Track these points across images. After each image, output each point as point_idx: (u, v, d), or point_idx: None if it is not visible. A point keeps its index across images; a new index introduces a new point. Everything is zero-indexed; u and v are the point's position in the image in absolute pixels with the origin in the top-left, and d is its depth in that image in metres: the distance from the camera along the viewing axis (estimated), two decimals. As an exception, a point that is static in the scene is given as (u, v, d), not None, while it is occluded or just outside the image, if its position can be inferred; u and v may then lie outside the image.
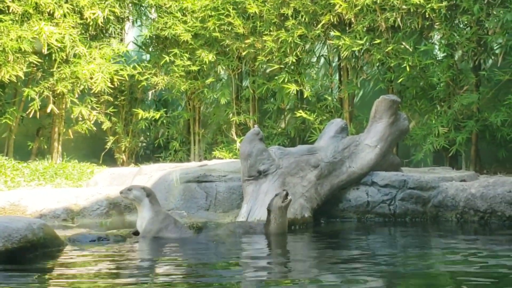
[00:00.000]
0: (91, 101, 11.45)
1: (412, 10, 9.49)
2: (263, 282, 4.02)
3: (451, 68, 9.57)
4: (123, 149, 12.19)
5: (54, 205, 7.16)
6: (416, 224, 6.86)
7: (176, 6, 11.43)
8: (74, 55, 10.95)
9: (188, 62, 11.26)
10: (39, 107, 10.66)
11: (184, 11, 11.39)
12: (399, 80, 9.79)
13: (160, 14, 11.61)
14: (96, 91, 11.16)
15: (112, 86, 11.28)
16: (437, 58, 9.84)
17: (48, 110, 10.94)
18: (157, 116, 11.71)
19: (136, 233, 6.10)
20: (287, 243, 5.96)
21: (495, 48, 9.38)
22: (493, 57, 9.60)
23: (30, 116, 10.72)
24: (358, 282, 3.92)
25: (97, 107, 11.61)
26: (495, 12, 9.16)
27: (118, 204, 7.37)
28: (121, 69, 11.37)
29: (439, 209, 6.93)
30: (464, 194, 6.78)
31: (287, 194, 6.17)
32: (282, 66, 10.62)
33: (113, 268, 4.61)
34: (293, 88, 10.41)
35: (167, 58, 11.30)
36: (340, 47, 10.02)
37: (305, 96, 10.61)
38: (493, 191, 6.62)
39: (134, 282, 4.13)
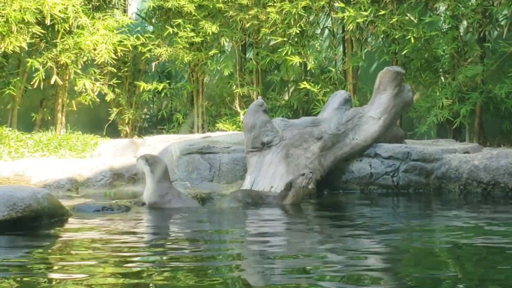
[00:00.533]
0: (95, 72, 11.43)
1: (417, -19, 9.42)
2: (265, 255, 4.03)
3: (455, 40, 9.51)
4: (126, 121, 12.19)
5: (58, 175, 7.19)
6: (419, 196, 6.89)
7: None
8: (77, 26, 10.90)
9: (192, 34, 11.20)
10: (43, 78, 10.64)
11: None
12: (404, 52, 9.74)
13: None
14: (99, 62, 11.12)
15: (116, 58, 11.24)
16: (442, 30, 9.78)
17: (52, 81, 10.92)
18: (160, 87, 11.68)
19: (141, 203, 6.12)
20: (291, 215, 5.98)
21: (500, 19, 9.32)
22: (498, 29, 9.54)
23: (35, 86, 10.70)
24: (360, 257, 3.93)
25: (101, 78, 11.59)
26: (501, -16, 9.09)
27: (122, 174, 7.40)
28: (124, 40, 11.32)
29: (442, 181, 6.95)
30: (467, 165, 6.79)
31: (311, 177, 6.28)
32: (285, 39, 10.57)
33: (116, 238, 4.64)
34: (296, 60, 10.36)
35: (170, 29, 11.24)
36: (344, 19, 9.95)
37: (308, 68, 10.56)
38: (496, 162, 6.62)
39: (136, 253, 4.16)
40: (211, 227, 5.31)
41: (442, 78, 9.82)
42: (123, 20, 11.45)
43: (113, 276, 3.43)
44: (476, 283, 3.28)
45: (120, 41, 11.21)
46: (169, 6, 11.25)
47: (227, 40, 11.30)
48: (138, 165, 6.17)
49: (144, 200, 6.10)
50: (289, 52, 10.39)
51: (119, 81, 11.96)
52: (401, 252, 4.09)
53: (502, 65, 9.47)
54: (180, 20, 11.21)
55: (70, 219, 5.34)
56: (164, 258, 3.94)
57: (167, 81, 11.99)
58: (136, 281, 3.33)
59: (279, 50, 10.63)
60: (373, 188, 7.12)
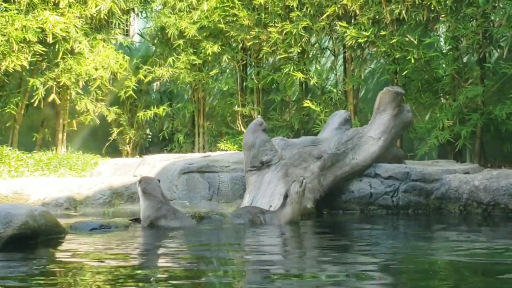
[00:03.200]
0: (96, 92, 11.45)
1: (417, 3, 9.44)
2: (265, 275, 3.99)
3: (456, 60, 9.52)
4: (127, 140, 12.20)
5: (57, 193, 7.17)
6: (419, 216, 6.85)
7: (182, 4, 11.36)
8: (79, 47, 10.93)
9: (193, 57, 11.25)
10: (43, 96, 10.65)
11: (189, 8, 11.32)
12: (404, 73, 9.75)
13: (165, 12, 11.54)
14: (101, 83, 11.16)
15: (119, 78, 11.28)
16: (442, 51, 9.79)
17: (50, 99, 10.92)
18: (161, 110, 11.70)
19: (138, 220, 6.10)
20: (290, 234, 5.94)
21: (500, 41, 9.32)
22: (498, 50, 9.54)
23: (35, 105, 10.71)
24: (360, 276, 3.90)
25: (102, 98, 11.61)
26: (501, 5, 9.10)
27: (121, 193, 7.37)
28: (126, 61, 11.37)
29: (442, 201, 6.92)
30: (467, 186, 6.76)
31: (303, 181, 6.31)
32: (288, 55, 10.59)
33: (113, 256, 4.60)
34: (299, 76, 10.39)
35: (172, 55, 11.31)
36: (345, 38, 9.98)
37: (311, 83, 10.58)
38: (496, 183, 6.60)
39: (132, 270, 4.12)
40: (210, 247, 5.27)
41: (443, 99, 9.81)
42: (124, 40, 11.49)
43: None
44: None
45: (121, 63, 11.24)
46: (169, 32, 11.29)
47: (228, 58, 11.33)
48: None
49: (141, 218, 6.07)
50: (292, 70, 10.42)
51: (119, 101, 11.98)
52: (400, 273, 4.05)
53: (502, 86, 9.46)
54: (181, 41, 11.25)
55: (67, 237, 5.30)
56: (161, 276, 3.91)
57: (168, 102, 12.01)
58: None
59: (281, 67, 10.66)
60: (373, 208, 7.08)
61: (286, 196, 6.30)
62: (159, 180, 6.32)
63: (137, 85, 12.07)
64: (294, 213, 6.27)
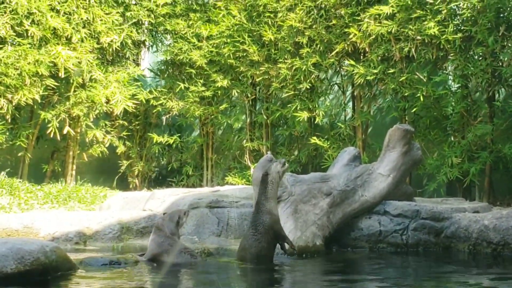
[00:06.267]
0: (106, 124, 11.55)
1: (426, 41, 9.52)
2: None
3: (465, 98, 9.57)
4: (136, 173, 12.25)
5: (66, 228, 7.19)
6: (428, 255, 6.82)
7: (191, 32, 11.56)
8: (91, 79, 11.06)
9: (203, 88, 11.35)
10: (57, 128, 10.74)
11: (199, 37, 11.51)
12: (413, 110, 9.79)
13: (175, 40, 11.73)
14: (116, 113, 11.27)
15: (129, 110, 11.38)
16: (451, 89, 9.85)
17: (65, 131, 11.02)
18: (171, 141, 11.76)
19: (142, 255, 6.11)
20: (298, 272, 5.93)
21: (509, 79, 9.38)
22: (507, 89, 9.59)
23: (51, 136, 10.79)
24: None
25: (111, 131, 11.70)
26: (510, 44, 9.18)
27: (130, 228, 7.38)
28: (137, 93, 11.48)
29: (451, 240, 6.90)
30: (477, 225, 6.74)
31: (285, 162, 6.31)
32: (296, 92, 10.67)
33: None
34: (304, 115, 10.43)
35: (182, 85, 11.42)
36: (354, 75, 10.06)
37: (316, 121, 10.63)
38: (506, 223, 6.57)
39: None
40: (217, 283, 5.27)
41: (452, 136, 9.83)
42: (134, 72, 11.62)
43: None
44: None
45: (133, 95, 11.36)
46: (180, 60, 11.43)
47: (238, 93, 11.42)
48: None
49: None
50: (298, 107, 10.48)
51: (129, 133, 12.07)
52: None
53: (511, 125, 9.48)
54: (192, 70, 11.37)
55: (77, 273, 5.32)
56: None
57: (178, 134, 12.08)
58: None
59: (289, 105, 10.72)
60: (382, 246, 7.06)
61: (266, 176, 6.19)
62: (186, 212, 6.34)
63: (146, 118, 12.19)
64: (271, 196, 6.14)
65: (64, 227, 7.20)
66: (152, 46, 12.43)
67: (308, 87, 10.52)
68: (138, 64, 12.59)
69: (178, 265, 5.85)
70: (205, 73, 11.40)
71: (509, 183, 9.79)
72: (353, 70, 9.98)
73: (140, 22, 11.96)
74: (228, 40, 11.08)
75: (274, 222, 6.06)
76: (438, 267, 6.31)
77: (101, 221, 7.40)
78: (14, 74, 10.18)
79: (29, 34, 10.51)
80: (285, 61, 10.65)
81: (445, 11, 9.29)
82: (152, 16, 11.87)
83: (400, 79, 9.71)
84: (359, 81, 9.96)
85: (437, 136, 9.87)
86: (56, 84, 10.72)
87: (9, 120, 10.50)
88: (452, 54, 9.55)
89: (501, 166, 9.51)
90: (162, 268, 5.79)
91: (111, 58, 11.70)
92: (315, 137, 10.53)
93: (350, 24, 10.06)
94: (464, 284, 5.13)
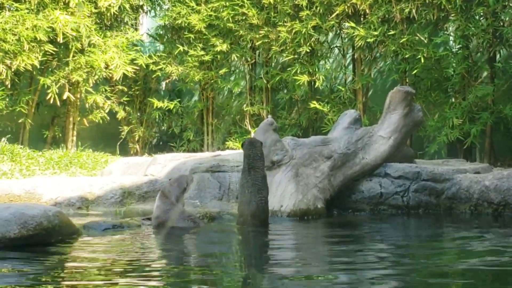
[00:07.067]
0: (105, 90, 11.51)
1: (427, 1, 9.44)
2: (273, 276, 4.02)
3: (466, 59, 9.52)
4: (136, 139, 12.25)
5: (69, 193, 7.21)
6: (429, 216, 6.85)
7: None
8: (89, 45, 10.99)
9: (202, 52, 11.28)
10: (56, 93, 10.71)
11: (198, 1, 11.39)
12: (414, 72, 9.76)
13: (173, 4, 11.62)
14: (115, 79, 11.21)
15: (129, 75, 11.32)
16: (452, 50, 9.80)
17: (65, 97, 10.99)
18: (171, 106, 11.73)
19: (150, 219, 6.13)
20: (300, 234, 5.97)
21: (510, 40, 9.32)
22: (508, 49, 9.54)
23: (51, 102, 10.77)
24: (371, 278, 3.92)
25: (111, 96, 11.67)
26: (511, 4, 9.09)
27: (132, 193, 7.41)
28: (136, 58, 11.41)
29: (452, 201, 6.92)
30: (478, 186, 6.76)
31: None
32: (296, 56, 10.61)
33: (126, 256, 4.64)
34: (304, 79, 10.38)
35: (181, 48, 11.34)
36: (354, 37, 9.99)
37: (316, 86, 10.59)
38: (507, 183, 6.60)
39: (146, 270, 4.16)
40: (220, 247, 5.31)
41: (453, 98, 9.81)
42: (133, 37, 11.53)
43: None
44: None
45: (132, 60, 11.29)
46: (179, 24, 11.34)
47: (237, 57, 11.35)
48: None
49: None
50: (298, 71, 10.42)
51: (129, 99, 12.04)
52: (411, 272, 4.07)
53: (512, 85, 9.47)
54: (191, 35, 11.28)
55: (81, 238, 5.35)
56: (173, 275, 3.95)
57: (178, 100, 12.05)
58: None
59: (289, 69, 10.67)
60: (383, 208, 7.08)
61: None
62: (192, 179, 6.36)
63: (146, 83, 12.15)
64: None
65: (66, 192, 7.22)
66: (150, 10, 12.32)
67: (308, 50, 10.46)
68: (136, 29, 12.50)
69: (181, 229, 5.88)
70: (204, 37, 11.32)
71: (509, 144, 9.80)
72: (353, 33, 9.91)
73: (138, -14, 11.84)
74: (227, 4, 10.97)
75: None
76: (439, 228, 6.35)
77: (103, 186, 7.42)
78: (12, 40, 10.12)
79: (26, -1, 10.43)
80: (285, 24, 10.57)
81: (446, -30, 9.20)
82: (150, -21, 11.76)
83: (401, 41, 9.65)
84: (360, 43, 9.90)
85: (438, 97, 9.86)
86: (54, 49, 10.66)
87: (9, 86, 10.47)
88: (453, 15, 9.48)
89: (502, 127, 9.52)
90: (165, 233, 5.82)
91: (109, 23, 11.61)
92: (315, 101, 10.51)
93: (350, -15, 9.97)
94: (465, 245, 5.16)
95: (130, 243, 5.29)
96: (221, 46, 11.06)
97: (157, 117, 12.00)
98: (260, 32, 10.82)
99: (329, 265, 4.40)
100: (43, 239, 4.84)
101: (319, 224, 6.53)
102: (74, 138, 11.58)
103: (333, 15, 10.25)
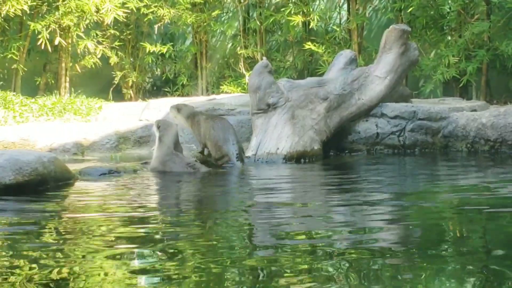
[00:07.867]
0: (97, 35, 11.33)
1: None
2: (271, 223, 4.02)
3: (462, -5, 9.38)
4: (130, 84, 12.12)
5: (64, 139, 7.20)
6: (425, 155, 6.87)
7: None
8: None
9: (194, -7, 11.07)
10: (47, 39, 10.54)
11: None
12: (409, 10, 9.62)
13: None
14: (106, 23, 11.02)
15: (120, 19, 11.12)
16: (448, -14, 9.64)
17: (56, 42, 10.82)
18: (164, 50, 11.57)
19: (148, 164, 6.12)
20: (296, 176, 5.97)
21: (507, -26, 9.16)
22: (505, -15, 9.38)
23: (42, 47, 10.61)
24: (367, 217, 3.94)
25: (103, 41, 11.50)
26: None
27: (127, 138, 7.38)
28: (128, 2, 11.20)
29: (449, 139, 6.93)
30: (474, 123, 6.76)
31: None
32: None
33: (123, 201, 4.64)
34: (298, 20, 10.23)
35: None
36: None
37: (311, 26, 10.45)
38: (503, 120, 6.60)
39: (143, 216, 4.15)
40: (218, 189, 5.32)
41: (448, 35, 9.71)
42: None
43: (120, 240, 3.43)
44: (482, 243, 3.28)
45: (123, 3, 11.08)
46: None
47: (230, -1, 11.16)
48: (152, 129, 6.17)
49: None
50: (292, 12, 10.26)
51: (121, 43, 11.87)
52: (407, 208, 4.09)
53: (508, 22, 9.34)
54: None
55: (77, 183, 5.34)
56: (172, 221, 3.94)
57: (171, 44, 11.88)
58: (146, 246, 3.31)
59: (282, 9, 10.50)
60: (379, 148, 7.09)
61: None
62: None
63: (138, 27, 11.95)
64: None
65: (61, 138, 7.21)
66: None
67: (302, -11, 10.27)
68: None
69: (179, 174, 5.87)
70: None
71: (505, 81, 9.75)
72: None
73: None
74: None
75: None
76: (435, 167, 6.37)
77: (98, 131, 7.40)
78: (0, -16, 9.91)
79: None
80: (278, -39, 10.35)
81: None
82: None
83: (396, -22, 9.48)
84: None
85: (434, 35, 9.75)
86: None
87: (-1, 32, 10.31)
88: (449, -51, 9.30)
89: (498, 64, 9.44)
90: (162, 178, 5.81)
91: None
92: (309, 43, 10.38)
93: None
94: (461, 183, 5.17)
95: (126, 188, 5.28)
96: (214, -14, 10.85)
97: (150, 61, 11.85)
98: (253, -29, 10.62)
99: (325, 205, 4.41)
100: (38, 185, 4.83)
101: (315, 166, 6.53)
102: (67, 84, 11.46)
103: (327, -47, 10.04)
